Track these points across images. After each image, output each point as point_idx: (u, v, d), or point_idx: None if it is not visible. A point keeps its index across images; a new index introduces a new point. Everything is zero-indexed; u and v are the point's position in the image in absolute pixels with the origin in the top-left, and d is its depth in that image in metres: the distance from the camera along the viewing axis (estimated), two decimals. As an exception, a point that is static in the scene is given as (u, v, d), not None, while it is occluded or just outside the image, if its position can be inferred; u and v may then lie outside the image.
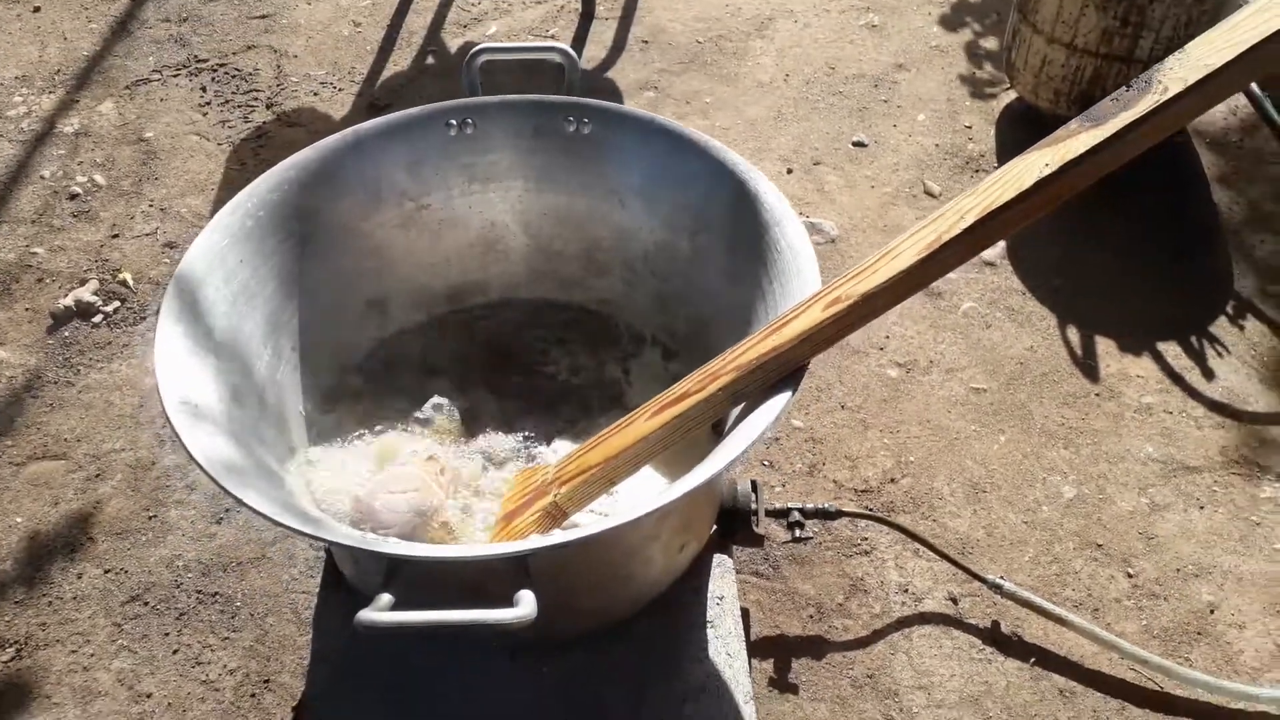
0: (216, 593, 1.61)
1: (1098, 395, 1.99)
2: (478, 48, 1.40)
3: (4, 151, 2.58)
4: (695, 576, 1.34)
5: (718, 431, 1.24)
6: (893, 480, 1.82)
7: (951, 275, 2.33)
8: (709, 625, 1.29)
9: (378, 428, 1.37)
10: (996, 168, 2.67)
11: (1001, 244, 2.39)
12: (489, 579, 0.98)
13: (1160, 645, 1.59)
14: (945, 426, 1.93)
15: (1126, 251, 2.33)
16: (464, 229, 1.48)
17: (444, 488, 1.29)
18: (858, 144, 2.69)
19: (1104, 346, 2.09)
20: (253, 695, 1.49)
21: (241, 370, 1.20)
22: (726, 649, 1.27)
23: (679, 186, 1.37)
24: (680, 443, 1.16)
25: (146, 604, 1.60)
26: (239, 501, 0.94)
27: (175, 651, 1.54)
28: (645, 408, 1.16)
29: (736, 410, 1.15)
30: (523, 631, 0.85)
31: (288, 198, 1.31)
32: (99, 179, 2.52)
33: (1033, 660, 1.56)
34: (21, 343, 2.08)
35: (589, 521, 1.28)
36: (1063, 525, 1.75)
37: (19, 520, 1.73)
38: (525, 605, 0.86)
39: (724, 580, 1.35)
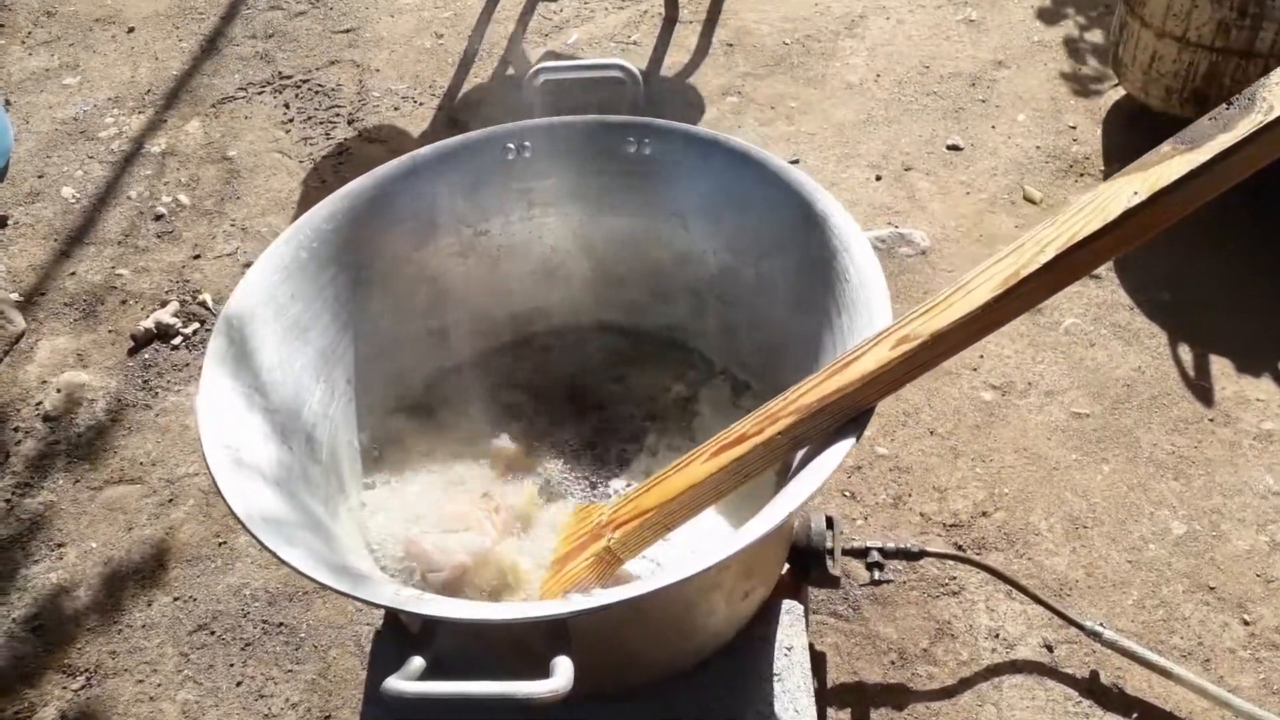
0: (282, 623, 1.62)
1: (1212, 421, 1.86)
2: (535, 68, 1.37)
3: (94, 173, 2.66)
4: (763, 623, 1.28)
5: (782, 469, 1.19)
6: (985, 514, 1.73)
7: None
8: (775, 678, 1.24)
9: (435, 461, 1.35)
10: (1103, 171, 2.54)
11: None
12: (530, 637, 0.94)
13: (1281, 700, 1.48)
14: (1043, 455, 1.82)
15: (1247, 259, 2.18)
16: (524, 255, 1.45)
17: (499, 526, 1.26)
18: (952, 147, 2.59)
19: (1219, 366, 1.96)
20: (314, 730, 1.49)
21: (290, 409, 1.19)
22: (794, 704, 1.21)
23: (742, 208, 1.32)
24: (740, 486, 1.11)
25: (213, 633, 1.62)
26: (275, 556, 0.93)
27: (239, 684, 1.55)
28: (704, 448, 1.12)
29: (801, 453, 1.09)
30: (561, 699, 0.82)
31: (342, 228, 1.30)
32: (183, 199, 2.58)
33: (1135, 716, 1.46)
34: (104, 365, 2.13)
35: (643, 570, 1.24)
36: (1171, 565, 1.64)
37: (94, 545, 1.77)
38: (560, 676, 0.82)
39: (793, 629, 1.28)
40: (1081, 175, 2.49)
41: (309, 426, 1.21)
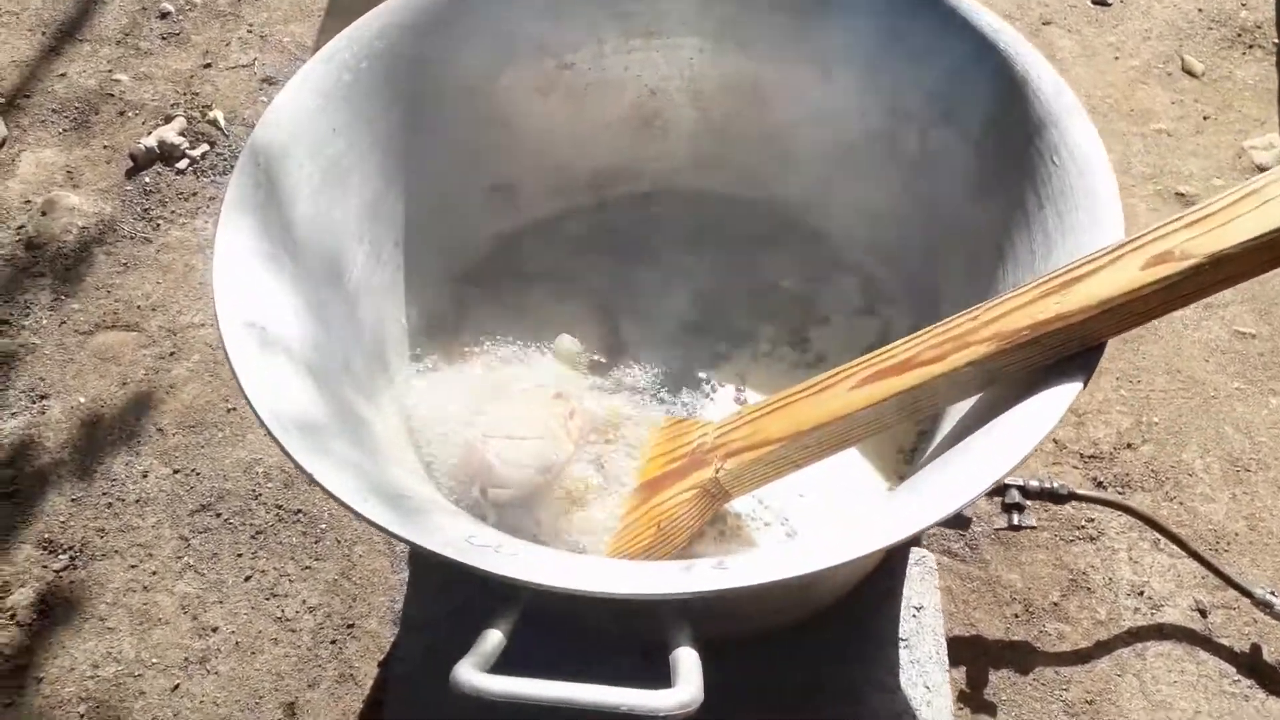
0: (300, 510, 1.47)
1: (1404, 353, 1.65)
2: None
3: (90, -44, 2.40)
4: (886, 574, 1.12)
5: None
6: (1129, 445, 1.54)
7: (1218, 181, 1.98)
8: (902, 644, 1.08)
9: (497, 348, 1.16)
10: (1276, 44, 2.25)
11: (1282, 142, 2.00)
12: (646, 611, 0.77)
13: None
14: (1200, 380, 1.62)
15: None
16: (616, 97, 1.24)
17: (573, 436, 1.08)
18: (1099, 1, 2.29)
19: None
20: (334, 642, 1.35)
21: (329, 275, 1.00)
22: (925, 679, 1.05)
23: (912, 58, 1.09)
24: (898, 426, 0.92)
25: (219, 515, 1.47)
26: (312, 480, 0.75)
27: (248, 578, 1.40)
28: (850, 370, 0.92)
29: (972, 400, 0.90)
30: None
31: (397, 46, 1.08)
32: (193, -5, 2.33)
33: (1304, 704, 1.31)
34: (97, 186, 1.93)
35: (746, 508, 1.06)
36: (1350, 524, 1.46)
37: (81, 400, 1.60)
38: (687, 685, 0.66)
39: (924, 585, 1.12)
40: (1250, 47, 2.21)
41: (350, 298, 1.02)
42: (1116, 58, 2.17)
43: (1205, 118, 2.05)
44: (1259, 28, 2.24)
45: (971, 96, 1.04)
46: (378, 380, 1.03)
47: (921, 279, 1.14)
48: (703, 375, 1.18)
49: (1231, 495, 1.49)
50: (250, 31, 2.27)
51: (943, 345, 0.86)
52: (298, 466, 0.75)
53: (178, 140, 2.01)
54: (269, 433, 0.77)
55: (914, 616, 1.09)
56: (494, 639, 0.70)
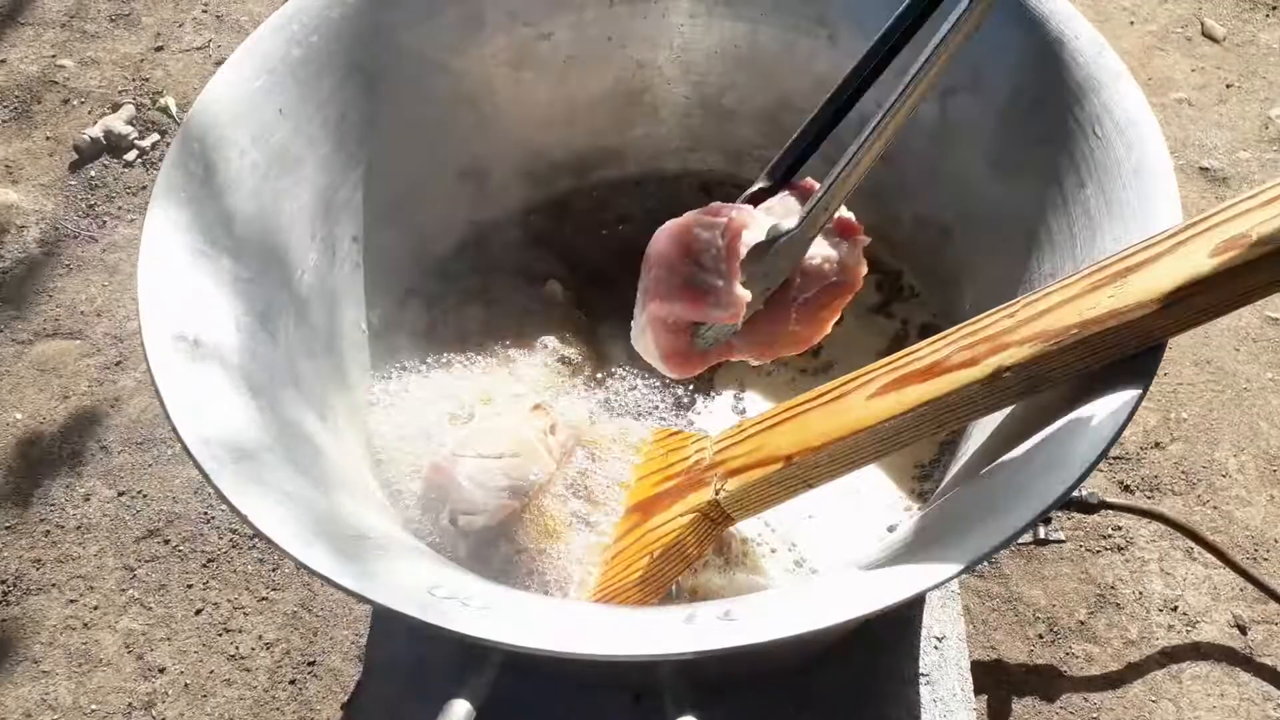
0: (255, 536, 1.36)
1: None
2: None
3: (32, -66, 2.28)
4: (904, 603, 1.02)
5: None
6: (1157, 445, 1.45)
7: (1244, 154, 1.89)
8: (923, 679, 0.98)
9: (469, 355, 1.06)
10: (1299, 5, 2.17)
11: (1310, 114, 1.92)
12: (633, 667, 0.68)
13: None
14: (1231, 371, 1.53)
15: None
16: (598, 71, 1.15)
17: (554, 452, 0.98)
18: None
19: None
20: (293, 682, 1.25)
21: (275, 276, 0.90)
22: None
23: (929, 19, 0.99)
24: (928, 438, 0.83)
25: (167, 542, 1.36)
26: (243, 517, 0.65)
27: (199, 611, 1.30)
28: (868, 375, 0.83)
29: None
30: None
31: (352, 16, 0.99)
32: (143, -27, 2.22)
33: (1358, 728, 1.22)
34: (38, 181, 1.82)
35: (759, 535, 0.96)
36: (1400, 528, 1.38)
37: (18, 417, 1.49)
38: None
39: (945, 611, 1.03)
40: (1274, 9, 2.12)
41: (301, 302, 0.92)
42: (1132, 23, 2.08)
43: (1228, 86, 1.95)
44: (1282, -9, 2.15)
45: (998, 60, 0.94)
46: (333, 395, 0.93)
47: (941, 269, 1.05)
48: (704, 387, 1.08)
49: (1270, 497, 1.40)
50: (205, 11, 2.17)
51: (976, 347, 0.76)
52: (225, 501, 0.65)
53: (126, 130, 1.91)
54: (194, 461, 0.67)
55: (935, 648, 0.99)
56: (459, 710, 0.60)
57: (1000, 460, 0.72)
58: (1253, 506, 1.39)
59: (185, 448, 0.68)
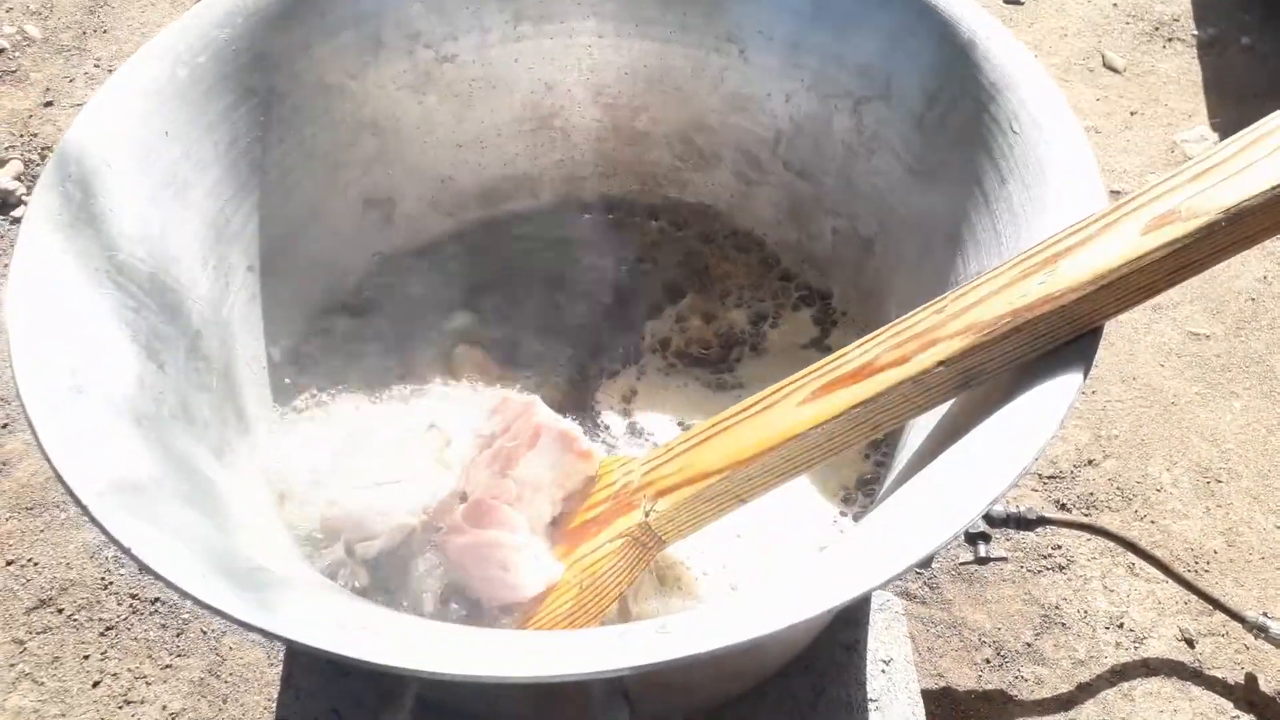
0: (158, 599, 1.29)
1: (1363, 346, 1.60)
2: None
3: (-90, -8, 2.21)
4: (847, 626, 0.99)
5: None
6: (1090, 462, 1.45)
7: (1152, 177, 1.92)
8: (872, 705, 0.95)
9: (375, 388, 1.02)
10: (1195, 35, 2.24)
11: (1213, 136, 1.97)
12: (563, 694, 0.64)
13: None
14: (1158, 387, 1.54)
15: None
16: (506, 94, 1.12)
17: (454, 466, 0.94)
18: (1011, 1, 2.26)
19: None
20: (202, 754, 1.17)
21: (163, 307, 0.84)
22: (901, 747, 0.92)
23: (839, 31, 0.99)
24: (861, 444, 0.80)
25: (61, 611, 1.28)
26: (125, 552, 0.60)
27: (96, 684, 1.22)
28: (797, 383, 0.80)
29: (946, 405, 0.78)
30: None
31: (244, 37, 0.95)
32: (31, 30, 2.17)
33: (1309, 735, 1.21)
34: (-82, 241, 1.74)
35: (687, 558, 0.93)
36: (1333, 533, 1.39)
37: (-103, 487, 1.40)
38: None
39: (891, 632, 0.99)
40: (1169, 40, 2.19)
41: (191, 333, 0.87)
42: (1036, 56, 2.12)
43: (1132, 113, 2.00)
44: (1176, 20, 2.22)
45: (910, 68, 0.94)
46: (230, 431, 0.88)
47: (865, 283, 1.03)
48: (614, 405, 1.05)
49: (1205, 509, 1.40)
50: (98, 66, 2.11)
51: (905, 345, 0.74)
52: (114, 541, 0.60)
53: (13, 186, 1.84)
54: (71, 493, 0.62)
55: (883, 672, 0.96)
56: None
57: (942, 455, 0.70)
58: (1189, 519, 1.39)
59: (65, 485, 0.63)
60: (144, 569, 0.59)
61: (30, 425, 0.65)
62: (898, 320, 0.76)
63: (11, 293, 0.73)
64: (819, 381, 0.78)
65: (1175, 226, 0.65)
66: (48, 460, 0.63)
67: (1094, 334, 0.69)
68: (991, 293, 0.72)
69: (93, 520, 0.61)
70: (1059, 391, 0.66)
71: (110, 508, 0.62)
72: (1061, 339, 0.69)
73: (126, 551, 0.60)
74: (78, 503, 0.62)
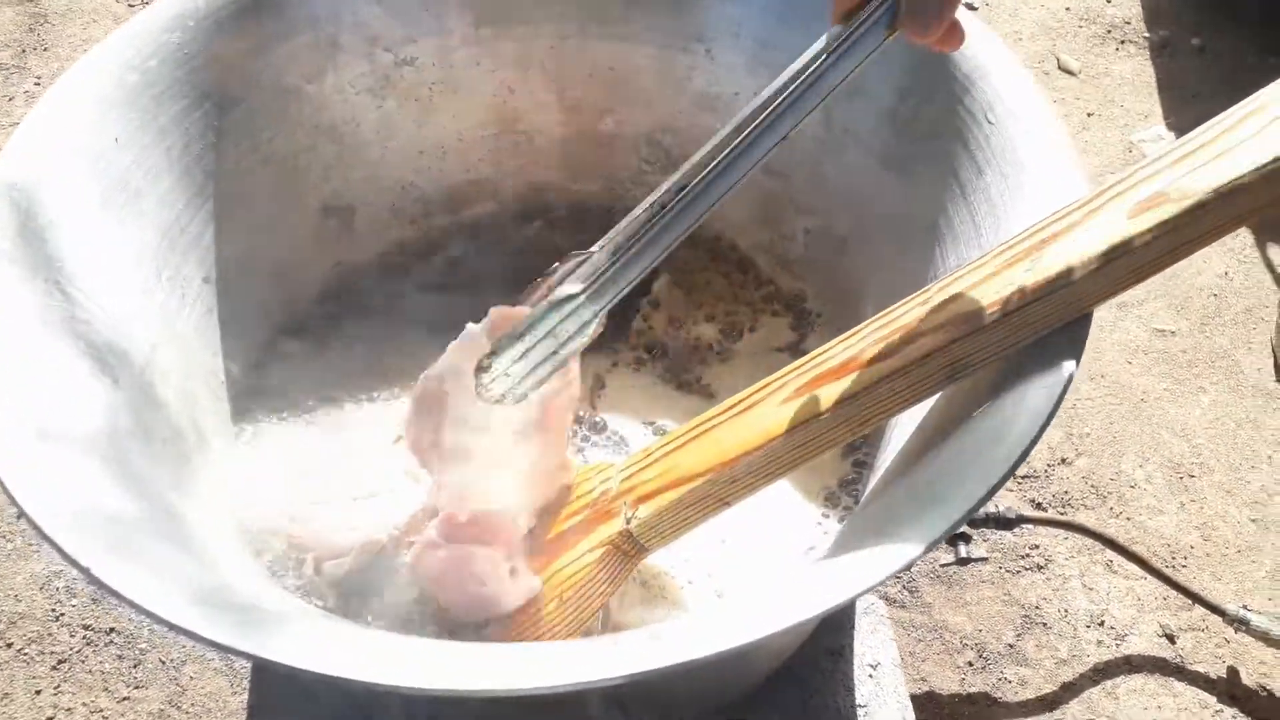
0: (113, 629, 1.24)
1: (1325, 338, 1.61)
2: None
3: None
4: (832, 630, 0.97)
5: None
6: (1064, 461, 1.44)
7: (1111, 177, 1.94)
8: (860, 711, 0.93)
9: (339, 404, 0.99)
10: (1146, 38, 2.27)
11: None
12: (544, 708, 0.61)
13: None
14: (1126, 384, 1.55)
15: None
16: (468, 98, 1.09)
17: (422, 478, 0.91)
18: (966, 5, 2.27)
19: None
20: (164, 789, 1.13)
21: (115, 321, 0.81)
22: (892, 754, 0.91)
23: (807, 29, 0.97)
24: (848, 442, 0.79)
25: (10, 645, 1.23)
26: (96, 582, 0.57)
27: (50, 719, 1.18)
28: (779, 380, 0.79)
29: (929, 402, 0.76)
30: None
31: (195, 40, 0.92)
32: (-32, 49, 2.11)
33: (1292, 728, 1.21)
34: None
35: (671, 567, 0.91)
36: (1306, 525, 1.39)
37: None
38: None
39: (877, 636, 0.98)
40: (1122, 43, 2.21)
41: (146, 349, 0.83)
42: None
43: (1089, 115, 2.02)
44: (1128, 23, 2.24)
45: (882, 61, 0.92)
46: (190, 452, 0.85)
47: (840, 282, 1.02)
48: (594, 420, 1.03)
49: (1179, 504, 1.40)
50: (38, 85, 2.06)
51: (889, 338, 0.73)
52: (72, 563, 0.57)
53: (-49, 208, 1.78)
54: (29, 519, 0.58)
55: (870, 676, 0.94)
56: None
57: (931, 452, 0.69)
58: (1165, 515, 1.39)
59: (18, 506, 0.59)
60: (114, 595, 0.56)
61: (-22, 445, 0.62)
62: (881, 314, 0.75)
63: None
64: (802, 379, 0.77)
65: (1165, 208, 0.64)
66: (7, 493, 0.60)
67: (1084, 320, 0.68)
68: (976, 283, 0.71)
69: (74, 563, 0.57)
70: (1051, 382, 0.64)
71: (86, 543, 0.59)
72: (1049, 327, 0.68)
73: (95, 581, 0.57)
74: (32, 523, 0.58)
